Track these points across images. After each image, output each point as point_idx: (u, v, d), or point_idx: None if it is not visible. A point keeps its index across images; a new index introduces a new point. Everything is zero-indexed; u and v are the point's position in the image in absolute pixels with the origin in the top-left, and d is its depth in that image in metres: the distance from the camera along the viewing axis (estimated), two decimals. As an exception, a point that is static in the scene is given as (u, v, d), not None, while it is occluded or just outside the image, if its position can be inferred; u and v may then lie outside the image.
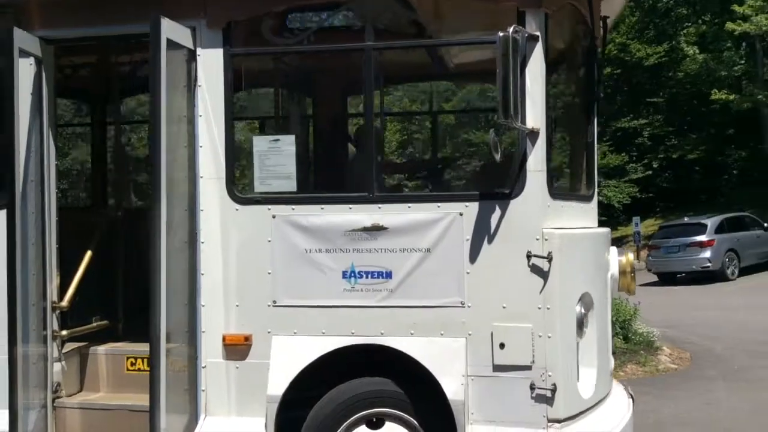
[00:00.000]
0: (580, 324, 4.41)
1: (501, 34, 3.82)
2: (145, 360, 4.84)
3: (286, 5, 4.43)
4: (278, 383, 4.29)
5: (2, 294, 4.59)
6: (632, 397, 4.97)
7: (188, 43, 4.47)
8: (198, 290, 4.48)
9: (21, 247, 4.56)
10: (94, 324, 5.30)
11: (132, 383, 4.97)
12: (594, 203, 5.05)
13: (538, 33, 4.14)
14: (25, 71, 4.67)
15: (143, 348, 4.84)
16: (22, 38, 4.60)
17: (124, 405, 4.80)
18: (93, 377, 5.08)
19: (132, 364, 5.00)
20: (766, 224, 23.35)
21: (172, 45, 4.33)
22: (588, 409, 4.38)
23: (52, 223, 4.78)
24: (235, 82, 4.46)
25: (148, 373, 4.58)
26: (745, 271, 22.26)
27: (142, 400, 4.60)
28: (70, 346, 5.02)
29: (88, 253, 5.22)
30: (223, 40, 4.43)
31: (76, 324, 5.10)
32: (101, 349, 5.15)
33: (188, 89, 4.51)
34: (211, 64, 4.46)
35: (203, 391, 4.47)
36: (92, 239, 5.36)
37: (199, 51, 4.50)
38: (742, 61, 31.55)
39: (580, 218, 4.70)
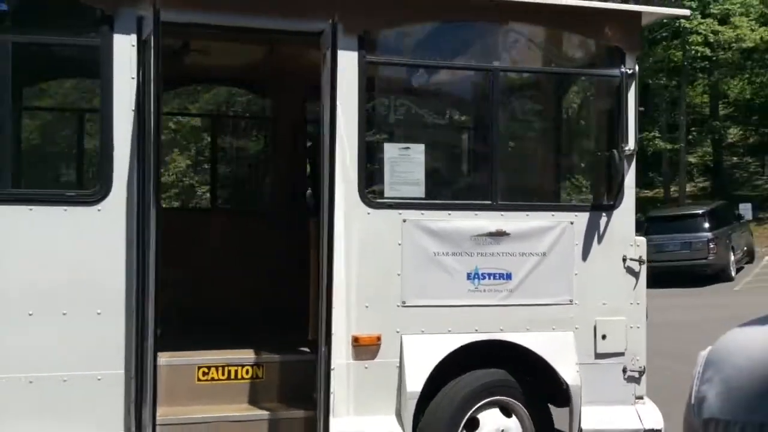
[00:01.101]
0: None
1: (626, 70, 4.48)
2: (219, 369, 4.69)
3: (426, 19, 4.62)
4: (416, 380, 4.51)
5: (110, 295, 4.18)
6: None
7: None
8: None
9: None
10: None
11: (206, 394, 4.73)
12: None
13: (636, 71, 4.86)
14: (124, 59, 4.27)
15: (212, 356, 4.72)
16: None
17: (225, 416, 4.59)
18: (166, 390, 4.73)
19: (204, 374, 4.74)
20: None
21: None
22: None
23: (152, 220, 4.41)
24: (368, 89, 4.55)
25: (222, 382, 4.53)
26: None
27: (231, 410, 4.51)
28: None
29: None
30: (358, 47, 4.49)
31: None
32: (164, 359, 4.80)
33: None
34: (344, 69, 4.49)
35: (332, 393, 4.51)
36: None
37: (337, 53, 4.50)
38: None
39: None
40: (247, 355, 4.82)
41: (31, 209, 4.18)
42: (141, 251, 4.23)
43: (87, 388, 4.21)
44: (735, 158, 32.36)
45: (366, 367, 4.56)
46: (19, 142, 4.88)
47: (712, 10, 26.23)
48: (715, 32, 25.29)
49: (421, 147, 4.68)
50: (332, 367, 4.52)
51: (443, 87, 5.48)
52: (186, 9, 4.35)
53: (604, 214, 4.85)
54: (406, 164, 4.61)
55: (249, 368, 4.73)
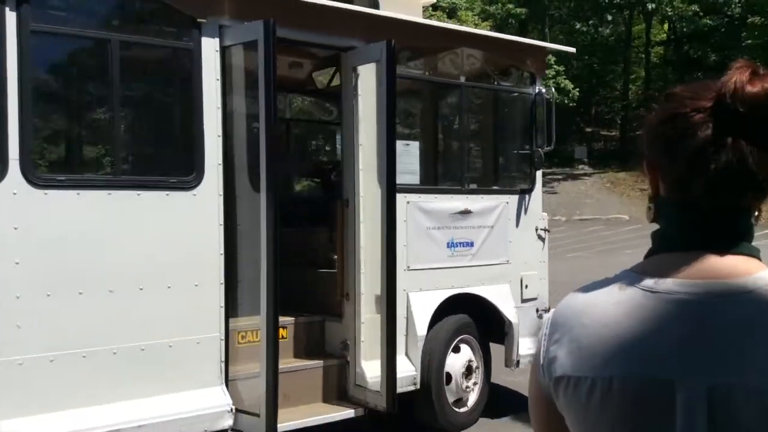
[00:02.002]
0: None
1: (538, 89, 6.25)
2: (255, 332, 5.45)
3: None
4: (421, 326, 5.79)
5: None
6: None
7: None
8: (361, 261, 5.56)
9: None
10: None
11: (247, 355, 5.39)
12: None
13: (543, 90, 6.62)
14: (210, 62, 4.87)
15: (245, 323, 5.46)
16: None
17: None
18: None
19: (242, 338, 5.43)
20: None
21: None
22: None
23: (236, 204, 5.04)
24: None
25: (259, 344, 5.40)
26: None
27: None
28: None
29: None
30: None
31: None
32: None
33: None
34: (370, 77, 5.54)
35: (362, 342, 5.57)
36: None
37: (360, 68, 5.53)
38: None
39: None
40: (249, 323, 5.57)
41: (139, 194, 4.61)
42: (228, 230, 4.92)
43: (188, 350, 4.78)
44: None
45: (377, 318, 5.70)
46: (127, 135, 5.07)
47: (441, 3, 28.31)
48: None
49: (417, 144, 5.94)
50: (362, 320, 5.62)
51: (438, 100, 6.73)
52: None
53: (526, 196, 6.57)
54: (408, 157, 5.84)
55: (252, 333, 5.51)
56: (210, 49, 4.85)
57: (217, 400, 4.87)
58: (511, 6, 36.66)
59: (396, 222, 5.36)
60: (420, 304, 5.86)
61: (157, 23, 4.92)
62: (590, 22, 41.17)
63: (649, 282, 1.13)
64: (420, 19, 6.31)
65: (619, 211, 27.18)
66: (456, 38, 6.34)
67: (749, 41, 36.95)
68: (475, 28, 29.32)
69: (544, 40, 39.87)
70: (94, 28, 4.67)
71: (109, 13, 4.79)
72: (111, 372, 4.49)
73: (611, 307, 1.14)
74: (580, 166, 35.55)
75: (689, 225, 1.15)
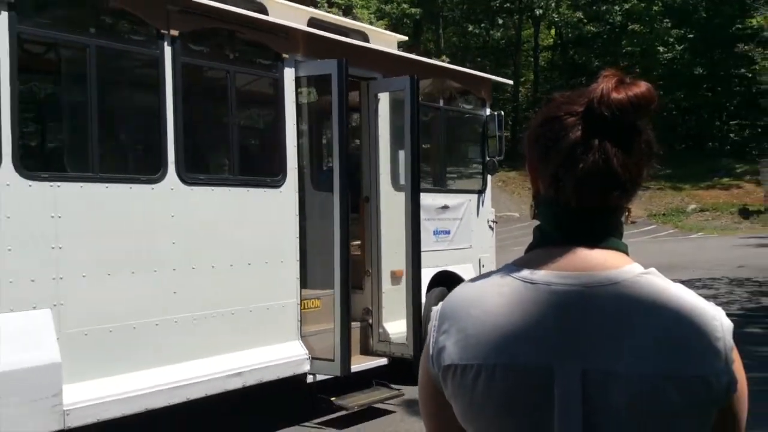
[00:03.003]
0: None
1: (488, 112, 8.17)
2: (314, 300, 6.82)
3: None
4: (423, 295, 7.43)
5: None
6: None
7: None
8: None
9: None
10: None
11: (311, 318, 6.71)
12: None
13: (490, 112, 8.50)
14: (290, 88, 6.26)
15: (307, 292, 6.80)
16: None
17: (319, 330, 6.80)
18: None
19: (306, 305, 6.73)
20: None
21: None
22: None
23: (304, 200, 6.42)
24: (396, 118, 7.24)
25: (319, 309, 6.83)
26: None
27: (313, 327, 6.84)
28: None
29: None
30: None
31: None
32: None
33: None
34: (385, 101, 7.13)
35: (383, 308, 7.12)
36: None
37: (380, 95, 7.10)
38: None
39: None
40: (311, 292, 7.02)
41: (248, 191, 5.93)
42: (302, 219, 6.34)
43: (278, 312, 6.13)
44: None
45: (395, 290, 7.29)
46: (239, 145, 6.22)
47: (337, 0, 27.90)
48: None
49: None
50: (383, 290, 7.18)
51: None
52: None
53: (482, 195, 8.42)
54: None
55: (314, 300, 6.98)
56: (290, 78, 6.25)
57: (298, 350, 6.26)
58: (405, 6, 36.40)
59: (420, 214, 6.99)
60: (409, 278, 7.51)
61: (255, 57, 6.24)
62: (482, 25, 41.97)
63: (527, 274, 1.20)
64: (408, 55, 8.03)
65: (509, 208, 28.59)
66: (432, 70, 8.07)
67: (629, 48, 39.52)
68: (370, 26, 29.69)
69: (437, 41, 41.29)
70: (219, 62, 5.95)
71: (228, 50, 6.05)
72: (229, 329, 5.77)
73: (495, 298, 1.19)
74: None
75: (563, 221, 1.22)
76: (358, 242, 7.34)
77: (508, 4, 40.41)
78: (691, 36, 39.65)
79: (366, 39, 7.79)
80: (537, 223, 1.28)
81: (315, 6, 25.44)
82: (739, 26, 31.37)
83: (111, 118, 5.56)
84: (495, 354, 1.16)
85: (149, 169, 5.41)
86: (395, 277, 7.32)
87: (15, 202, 4.52)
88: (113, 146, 5.93)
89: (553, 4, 39.83)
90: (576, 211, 1.20)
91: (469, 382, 1.18)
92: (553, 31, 46.25)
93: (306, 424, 6.32)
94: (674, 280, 1.21)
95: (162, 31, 5.28)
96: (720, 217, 31.52)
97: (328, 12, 27.28)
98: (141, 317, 5.18)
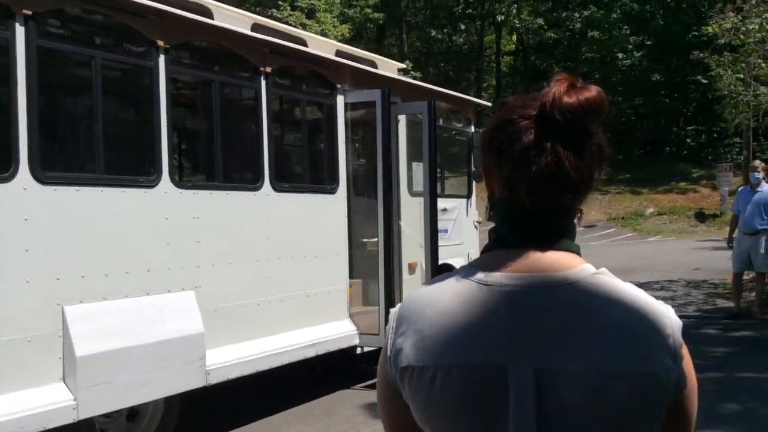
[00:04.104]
0: (468, 250, 10.51)
1: (473, 129, 9.79)
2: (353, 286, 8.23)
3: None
4: (431, 283, 8.91)
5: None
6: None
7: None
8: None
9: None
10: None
11: (353, 300, 8.10)
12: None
13: (473, 130, 10.09)
14: (341, 112, 7.65)
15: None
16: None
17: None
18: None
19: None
20: None
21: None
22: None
23: (350, 204, 7.80)
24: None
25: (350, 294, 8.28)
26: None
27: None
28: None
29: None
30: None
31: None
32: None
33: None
34: (403, 123, 8.59)
35: (403, 292, 8.57)
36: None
37: (399, 116, 8.55)
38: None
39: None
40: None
41: (314, 196, 7.28)
42: (349, 220, 7.74)
43: (333, 295, 7.50)
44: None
45: (410, 279, 8.76)
46: (307, 161, 7.51)
47: (300, 4, 28.04)
48: (303, 25, 26.17)
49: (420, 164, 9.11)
50: (402, 279, 8.64)
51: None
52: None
53: (469, 199, 10.00)
54: (418, 174, 8.97)
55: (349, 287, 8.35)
56: (341, 103, 7.64)
57: (349, 327, 7.64)
58: (369, 10, 36.15)
59: (437, 218, 8.49)
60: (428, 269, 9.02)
61: (314, 86, 7.57)
62: (445, 30, 41.89)
63: (482, 276, 1.23)
64: (420, 83, 9.60)
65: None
66: (433, 94, 9.60)
67: (589, 54, 39.92)
68: (334, 29, 28.10)
69: (401, 45, 41.49)
70: (300, 93, 7.29)
71: (303, 84, 7.38)
72: (304, 308, 7.10)
73: (451, 299, 1.22)
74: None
75: (517, 223, 1.25)
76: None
77: (470, 10, 40.35)
78: (649, 43, 40.16)
79: (374, 66, 9.23)
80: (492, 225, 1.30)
81: (277, 8, 26.40)
82: (696, 34, 31.92)
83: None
84: (451, 355, 1.19)
85: (251, 181, 6.69)
86: (411, 268, 8.81)
87: (172, 206, 5.75)
88: (222, 158, 7.17)
89: (514, 11, 39.94)
90: (529, 213, 1.23)
91: (426, 384, 1.20)
92: (514, 37, 46.09)
93: (355, 387, 7.72)
94: (633, 283, 1.24)
95: (260, 68, 6.59)
96: (677, 221, 31.87)
97: (291, 15, 27.59)
98: (249, 298, 6.47)
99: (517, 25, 42.14)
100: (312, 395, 7.44)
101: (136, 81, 5.84)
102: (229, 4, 7.34)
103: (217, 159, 6.27)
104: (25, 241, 4.75)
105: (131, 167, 5.74)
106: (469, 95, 11.80)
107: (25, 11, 4.70)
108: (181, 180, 5.92)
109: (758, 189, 10.72)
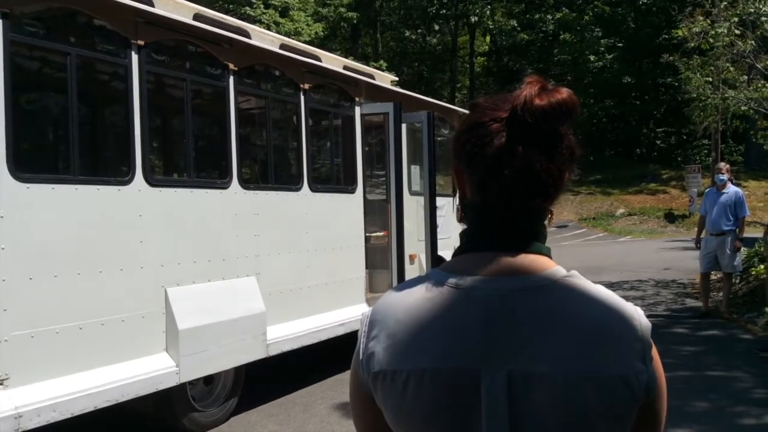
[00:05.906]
0: (452, 243, 11.72)
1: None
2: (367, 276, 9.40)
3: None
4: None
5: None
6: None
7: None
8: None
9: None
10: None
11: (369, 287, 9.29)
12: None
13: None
14: (358, 121, 8.76)
15: None
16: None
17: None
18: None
19: None
20: None
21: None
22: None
23: (364, 204, 8.93)
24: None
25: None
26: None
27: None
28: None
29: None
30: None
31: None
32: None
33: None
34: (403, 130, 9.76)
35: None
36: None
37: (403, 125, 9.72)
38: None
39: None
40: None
41: (337, 195, 8.39)
42: (363, 216, 8.88)
43: (353, 283, 8.61)
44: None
45: (411, 269, 9.92)
46: (329, 165, 8.56)
47: (273, 2, 27.93)
48: (276, 23, 26.28)
49: (418, 167, 10.29)
50: (404, 270, 9.81)
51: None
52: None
53: (454, 198, 11.22)
54: (416, 176, 10.14)
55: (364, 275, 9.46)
56: (358, 115, 8.76)
57: (366, 309, 8.72)
58: (343, 9, 35.86)
59: (437, 213, 9.67)
60: (425, 260, 10.21)
61: (339, 100, 8.67)
62: (419, 30, 41.88)
63: (454, 279, 1.22)
64: (418, 95, 10.76)
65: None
66: (421, 103, 10.80)
67: (561, 56, 40.38)
68: (308, 28, 28.00)
69: (375, 45, 41.27)
70: (328, 106, 8.37)
71: (330, 98, 8.47)
72: (333, 293, 8.20)
73: (423, 303, 1.21)
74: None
75: (488, 226, 1.24)
76: (383, 233, 9.92)
77: (444, 11, 40.40)
78: (620, 45, 40.67)
79: (372, 77, 10.37)
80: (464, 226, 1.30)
81: (250, 6, 26.47)
82: (666, 37, 32.09)
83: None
84: (423, 359, 1.18)
85: (294, 182, 7.76)
86: (411, 260, 9.98)
87: (239, 205, 6.79)
88: (273, 163, 8.20)
89: (488, 12, 40.18)
90: (501, 215, 1.23)
91: (399, 388, 1.20)
92: (488, 38, 46.14)
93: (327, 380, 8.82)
94: (603, 283, 1.27)
95: (300, 85, 7.66)
96: (647, 221, 32.35)
97: (264, 13, 27.78)
98: (295, 283, 7.55)
99: (491, 27, 42.19)
100: (287, 391, 7.72)
101: (215, 100, 6.87)
102: (199, 4, 7.53)
103: (269, 164, 7.35)
104: (140, 234, 5.74)
105: (213, 171, 6.77)
106: (442, 96, 13.00)
107: (138, 41, 5.71)
108: (245, 182, 6.95)
109: (724, 190, 10.83)
